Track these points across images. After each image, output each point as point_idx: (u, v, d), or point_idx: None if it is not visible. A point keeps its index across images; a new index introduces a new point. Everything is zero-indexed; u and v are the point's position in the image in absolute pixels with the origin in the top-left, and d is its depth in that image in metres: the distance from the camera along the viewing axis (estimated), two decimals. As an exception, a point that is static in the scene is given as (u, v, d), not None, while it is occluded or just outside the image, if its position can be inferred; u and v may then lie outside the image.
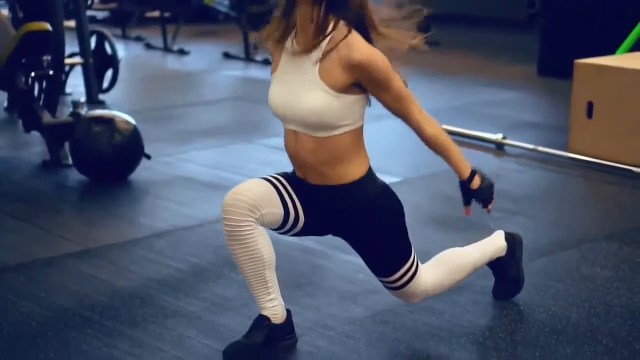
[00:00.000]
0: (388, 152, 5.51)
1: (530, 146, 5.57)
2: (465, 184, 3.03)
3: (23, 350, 3.04)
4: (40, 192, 4.84)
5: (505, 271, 3.41)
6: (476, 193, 3.04)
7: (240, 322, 3.24)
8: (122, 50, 9.49)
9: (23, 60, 5.26)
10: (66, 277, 3.67)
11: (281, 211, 2.90)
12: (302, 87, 2.81)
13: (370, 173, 2.95)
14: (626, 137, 5.28)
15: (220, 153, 5.59)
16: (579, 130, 5.51)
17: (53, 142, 5.24)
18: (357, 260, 3.29)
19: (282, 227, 2.96)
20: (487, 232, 4.12)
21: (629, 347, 3.08)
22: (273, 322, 2.97)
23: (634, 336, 3.16)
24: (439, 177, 5.06)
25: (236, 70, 8.67)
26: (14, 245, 4.05)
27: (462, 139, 5.83)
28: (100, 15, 11.76)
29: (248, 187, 2.88)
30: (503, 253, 3.38)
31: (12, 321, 3.26)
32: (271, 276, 2.94)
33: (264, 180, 2.93)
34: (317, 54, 2.79)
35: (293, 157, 2.95)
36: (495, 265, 3.40)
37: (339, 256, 3.84)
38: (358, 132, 2.89)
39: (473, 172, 3.02)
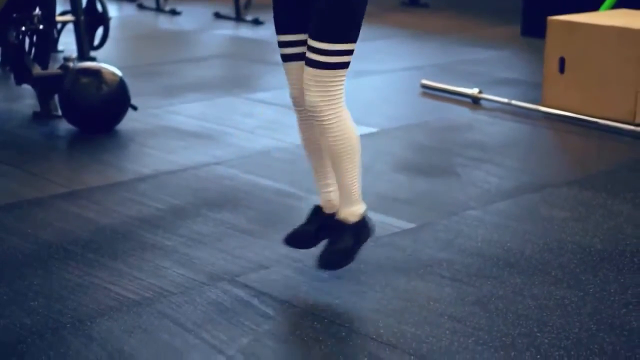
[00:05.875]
0: (366, 105, 5.70)
1: (505, 100, 5.76)
2: None
3: (10, 278, 3.25)
4: (31, 140, 5.03)
5: (342, 238, 3.21)
6: None
7: (214, 254, 3.46)
8: (115, 10, 9.67)
9: (14, 15, 5.42)
10: (52, 215, 3.88)
11: None
12: None
13: None
14: (594, 90, 5.48)
15: (206, 106, 5.77)
16: (551, 84, 5.70)
17: (43, 94, 5.43)
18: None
19: None
20: (456, 178, 4.35)
21: (576, 278, 3.29)
22: (325, 211, 3.30)
23: (581, 269, 3.37)
24: (413, 128, 5.27)
25: (226, 30, 8.83)
26: (3, 187, 4.26)
27: (441, 94, 6.03)
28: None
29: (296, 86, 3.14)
30: (356, 218, 3.22)
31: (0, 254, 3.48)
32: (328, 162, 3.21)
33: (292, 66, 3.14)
34: None
35: None
36: (337, 227, 3.24)
37: (312, 198, 4.03)
38: None
39: None
